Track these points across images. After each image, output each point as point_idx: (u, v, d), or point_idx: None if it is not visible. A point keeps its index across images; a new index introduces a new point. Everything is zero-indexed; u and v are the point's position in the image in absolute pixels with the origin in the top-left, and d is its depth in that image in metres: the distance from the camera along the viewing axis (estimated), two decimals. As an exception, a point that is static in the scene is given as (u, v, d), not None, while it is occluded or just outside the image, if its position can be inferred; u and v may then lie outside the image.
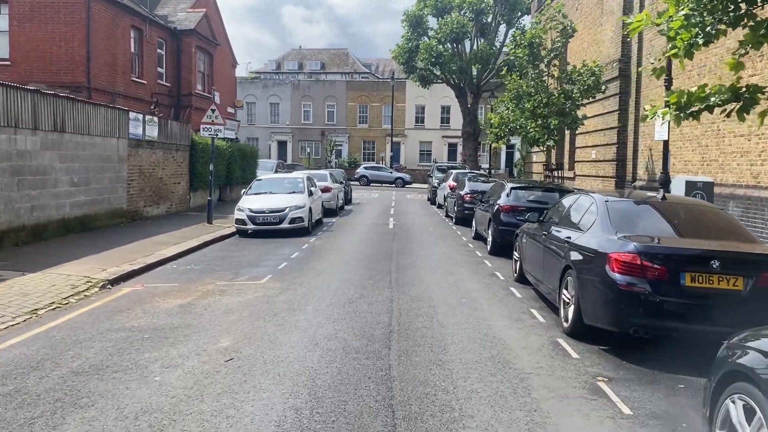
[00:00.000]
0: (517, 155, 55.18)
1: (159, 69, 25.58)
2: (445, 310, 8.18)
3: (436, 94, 54.14)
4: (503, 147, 55.10)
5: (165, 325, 7.31)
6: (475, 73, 36.77)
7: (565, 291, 7.47)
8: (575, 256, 7.28)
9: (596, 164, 21.19)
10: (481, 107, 45.99)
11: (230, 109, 32.78)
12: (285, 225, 15.71)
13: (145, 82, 24.18)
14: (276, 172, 31.92)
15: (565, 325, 7.30)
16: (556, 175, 20.74)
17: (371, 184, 45.92)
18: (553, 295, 7.98)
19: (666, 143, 12.10)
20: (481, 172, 29.88)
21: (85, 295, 8.93)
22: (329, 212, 21.16)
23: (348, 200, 27.40)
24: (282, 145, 60.10)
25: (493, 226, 13.28)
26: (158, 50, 25.33)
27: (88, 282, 9.56)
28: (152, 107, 22.11)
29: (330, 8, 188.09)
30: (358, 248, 13.85)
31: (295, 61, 79.48)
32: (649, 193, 8.56)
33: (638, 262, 6.28)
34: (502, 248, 12.94)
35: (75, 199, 14.11)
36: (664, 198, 7.62)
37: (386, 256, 12.79)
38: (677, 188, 11.02)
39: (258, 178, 18.52)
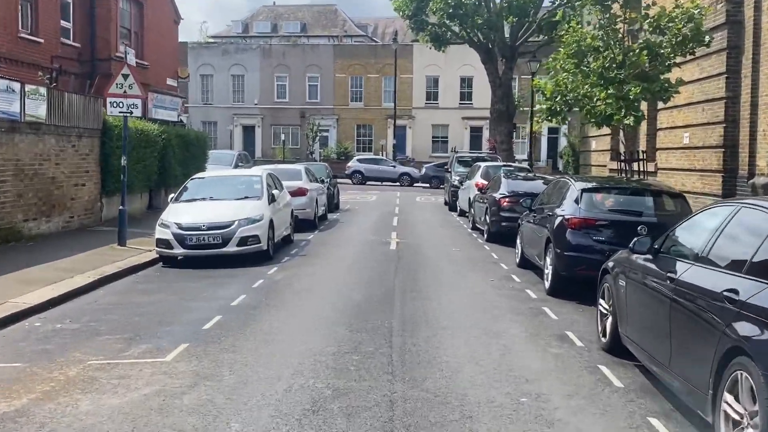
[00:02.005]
0: (562, 142, 53.22)
1: (64, 23, 23.23)
2: (494, 427, 5.56)
3: (453, 60, 52.86)
4: (544, 131, 53.40)
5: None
6: (508, 30, 35.18)
7: (728, 398, 4.91)
8: (753, 330, 4.71)
9: (690, 152, 18.79)
10: (515, 78, 43.84)
11: (171, 82, 30.63)
12: (231, 248, 13.46)
13: (42, 40, 21.75)
14: (237, 167, 30.06)
15: (739, 469, 4.69)
16: (635, 168, 18.26)
17: (368, 182, 44.25)
18: (699, 398, 5.40)
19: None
20: (522, 164, 27.59)
21: None
22: (305, 224, 19.11)
23: (334, 206, 25.66)
24: (248, 130, 58.82)
25: (555, 252, 10.80)
26: (62, -3, 23.01)
27: None
28: (43, 75, 19.60)
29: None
30: (341, 286, 11.41)
31: (267, 22, 78.61)
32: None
33: None
34: (569, 284, 10.73)
35: None
36: None
37: (384, 300, 10.27)
38: None
39: (195, 176, 16.13)
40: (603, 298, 8.14)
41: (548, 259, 11.19)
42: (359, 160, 46.54)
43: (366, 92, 57.73)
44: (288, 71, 57.90)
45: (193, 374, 6.84)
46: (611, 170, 25.17)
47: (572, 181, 11.84)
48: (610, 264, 7.99)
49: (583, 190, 11.07)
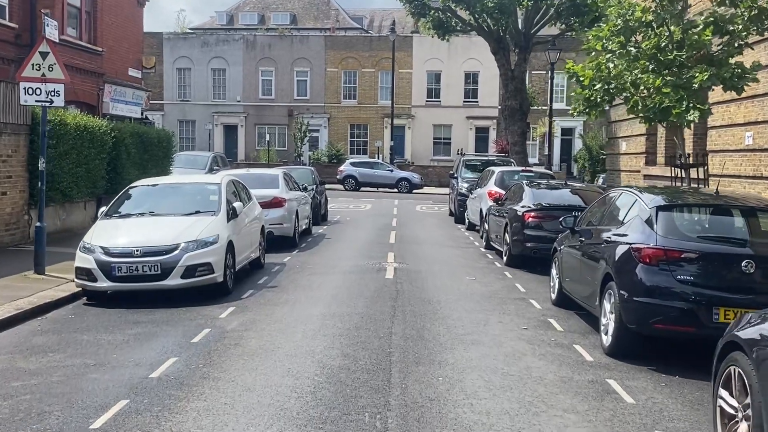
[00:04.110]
0: (578, 144, 51.10)
1: (-5, -1, 20.76)
2: None
3: (457, 54, 52.11)
4: (557, 132, 51.19)
5: None
6: (522, 16, 33.82)
7: None
8: None
9: (754, 156, 17.03)
10: (526, 73, 42.17)
11: (134, 72, 28.25)
12: (174, 280, 10.89)
13: (-33, 18, 19.22)
14: (211, 172, 28.03)
15: None
16: (693, 175, 15.89)
17: (362, 188, 42.54)
18: None
19: None
20: (545, 170, 25.27)
21: None
22: (281, 242, 16.89)
23: (321, 217, 23.60)
24: (230, 130, 57.07)
25: (620, 295, 8.06)
26: (-6, -33, 20.50)
27: None
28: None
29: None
30: (314, 343, 8.65)
31: (254, 13, 77.92)
32: None
33: None
34: (637, 342, 8.17)
35: None
36: None
37: (376, 370, 7.52)
38: None
39: (135, 183, 13.48)
40: (727, 389, 5.34)
41: (607, 305, 8.42)
42: (353, 164, 44.97)
43: (360, 88, 55.97)
44: (274, 65, 56.18)
45: None
46: (646, 176, 23.25)
47: (639, 194, 9.03)
48: (748, 336, 5.14)
49: (660, 208, 8.28)
